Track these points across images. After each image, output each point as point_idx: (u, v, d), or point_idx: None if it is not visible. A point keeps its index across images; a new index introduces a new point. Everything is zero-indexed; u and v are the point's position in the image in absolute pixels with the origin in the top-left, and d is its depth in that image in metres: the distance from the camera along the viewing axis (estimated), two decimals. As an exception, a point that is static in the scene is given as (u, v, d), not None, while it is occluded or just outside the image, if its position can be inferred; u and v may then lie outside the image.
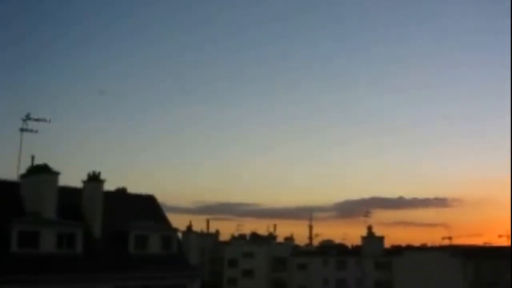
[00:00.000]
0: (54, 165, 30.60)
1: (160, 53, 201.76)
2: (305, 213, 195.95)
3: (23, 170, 31.54)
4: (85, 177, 32.62)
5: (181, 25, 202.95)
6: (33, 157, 31.42)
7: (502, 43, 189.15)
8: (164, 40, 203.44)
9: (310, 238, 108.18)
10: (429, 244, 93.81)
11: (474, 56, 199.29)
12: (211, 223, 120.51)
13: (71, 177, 53.20)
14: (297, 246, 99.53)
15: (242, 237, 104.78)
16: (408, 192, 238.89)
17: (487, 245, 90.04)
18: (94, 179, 32.42)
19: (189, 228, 73.93)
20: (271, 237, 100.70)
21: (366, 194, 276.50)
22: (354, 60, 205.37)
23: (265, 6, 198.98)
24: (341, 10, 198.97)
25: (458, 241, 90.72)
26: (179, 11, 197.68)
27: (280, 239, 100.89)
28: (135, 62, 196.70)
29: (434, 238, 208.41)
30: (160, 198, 38.37)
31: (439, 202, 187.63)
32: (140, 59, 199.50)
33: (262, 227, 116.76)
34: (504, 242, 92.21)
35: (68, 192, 31.58)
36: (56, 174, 30.30)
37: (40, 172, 30.19)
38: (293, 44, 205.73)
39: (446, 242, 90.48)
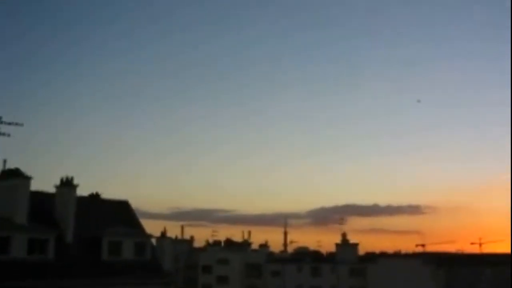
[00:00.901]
0: (26, 170, 30.24)
1: (138, 57, 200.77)
2: (280, 220, 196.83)
3: (-6, 174, 30.98)
4: (58, 182, 32.19)
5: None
6: (5, 161, 30.98)
7: (486, 50, 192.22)
8: (148, 45, 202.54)
9: (285, 245, 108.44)
10: (403, 251, 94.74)
11: (453, 64, 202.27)
12: (186, 229, 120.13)
13: (44, 181, 52.58)
14: (271, 253, 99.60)
15: (217, 243, 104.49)
16: (383, 199, 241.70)
17: (459, 252, 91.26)
18: (67, 184, 32.01)
19: (164, 234, 73.49)
20: (246, 243, 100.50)
21: (341, 201, 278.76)
22: (329, 67, 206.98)
23: (258, 7, 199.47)
24: (329, 13, 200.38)
25: (432, 248, 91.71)
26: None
27: (255, 245, 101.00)
28: (110, 67, 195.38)
29: (408, 245, 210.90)
30: (134, 203, 38.21)
31: (413, 209, 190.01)
32: (115, 64, 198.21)
33: (237, 234, 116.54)
34: (476, 249, 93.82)
35: (40, 197, 31.18)
36: (28, 178, 29.83)
37: (12, 177, 29.70)
38: (268, 51, 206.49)
39: (420, 249, 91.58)
